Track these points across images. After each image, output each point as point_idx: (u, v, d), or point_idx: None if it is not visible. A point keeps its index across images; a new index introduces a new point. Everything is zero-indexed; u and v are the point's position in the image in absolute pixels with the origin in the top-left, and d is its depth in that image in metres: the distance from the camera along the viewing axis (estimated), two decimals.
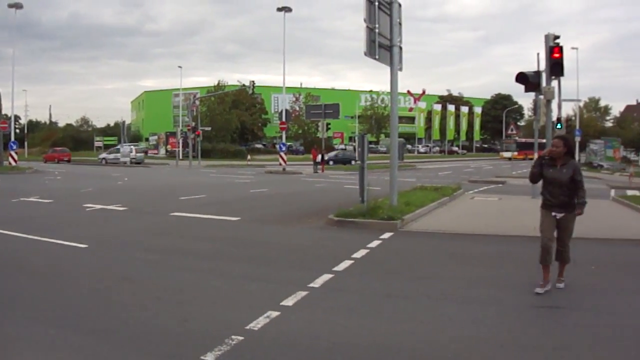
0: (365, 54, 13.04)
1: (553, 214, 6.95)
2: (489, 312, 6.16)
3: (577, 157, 56.02)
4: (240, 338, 5.04)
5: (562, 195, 6.90)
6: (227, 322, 5.56)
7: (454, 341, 5.14)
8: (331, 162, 49.15)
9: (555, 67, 17.13)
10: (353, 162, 47.50)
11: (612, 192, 23.89)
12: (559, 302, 6.54)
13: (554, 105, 34.66)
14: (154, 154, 72.99)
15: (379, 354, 4.83)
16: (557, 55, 16.96)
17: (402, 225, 12.16)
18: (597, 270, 8.47)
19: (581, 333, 5.51)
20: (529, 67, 20.27)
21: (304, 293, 6.65)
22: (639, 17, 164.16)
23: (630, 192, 23.74)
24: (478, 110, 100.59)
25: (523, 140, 75.37)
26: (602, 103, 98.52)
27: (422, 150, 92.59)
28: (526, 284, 7.15)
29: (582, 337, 5.40)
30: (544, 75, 17.55)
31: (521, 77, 17.84)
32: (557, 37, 17.40)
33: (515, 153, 74.14)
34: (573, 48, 57.24)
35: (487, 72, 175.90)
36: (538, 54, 18.65)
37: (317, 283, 7.17)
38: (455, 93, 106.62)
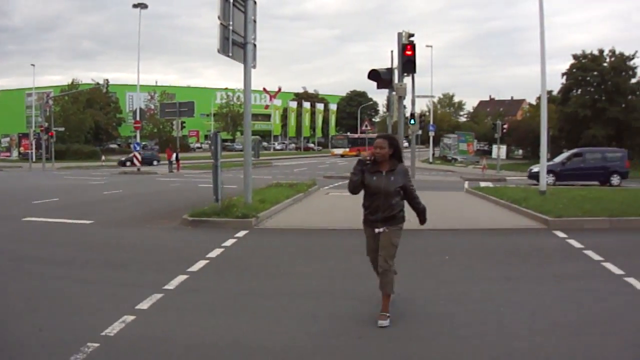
0: (219, 51, 13.03)
1: (376, 230, 5.77)
2: (363, 307, 6.41)
3: (431, 152, 59.12)
4: (96, 345, 4.96)
5: (387, 207, 5.69)
6: (83, 329, 5.43)
7: (311, 337, 5.32)
8: None
9: (408, 64, 17.77)
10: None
11: (466, 184, 25.31)
12: (415, 293, 6.79)
13: (408, 101, 36.70)
14: (6, 156, 67.62)
15: (236, 354, 4.93)
16: (409, 52, 17.61)
17: (257, 223, 12.31)
18: (451, 259, 9.14)
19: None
20: (385, 64, 21.00)
21: (159, 295, 6.61)
22: (493, 17, 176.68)
23: (483, 184, 25.36)
24: (333, 107, 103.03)
25: (355, 135, 76.50)
26: (457, 99, 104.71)
27: (278, 147, 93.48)
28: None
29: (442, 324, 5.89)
30: (396, 73, 18.25)
31: (374, 74, 18.34)
32: (412, 35, 18.14)
33: (347, 149, 73.73)
34: (428, 46, 60.56)
35: (344, 70, 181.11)
36: (392, 51, 19.42)
37: (172, 285, 7.14)
38: (311, 90, 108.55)
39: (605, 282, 7.56)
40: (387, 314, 5.64)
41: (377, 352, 5.05)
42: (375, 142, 5.82)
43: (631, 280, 7.46)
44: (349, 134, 78.56)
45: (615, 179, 28.80)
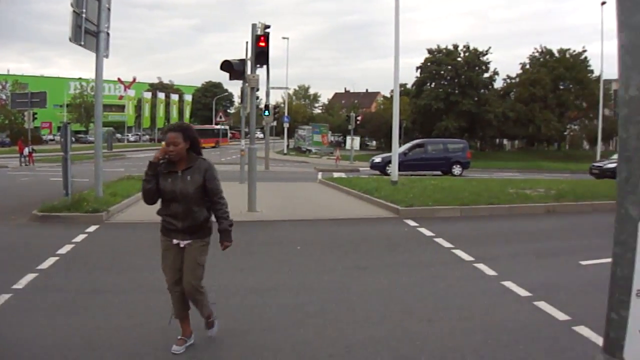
0: (71, 40, 12.51)
1: (175, 241, 4.62)
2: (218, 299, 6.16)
3: (285, 143, 58.97)
4: None
5: (187, 215, 4.55)
6: None
7: (165, 332, 4.99)
8: None
9: (260, 55, 17.68)
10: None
11: (320, 175, 25.50)
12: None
13: (263, 92, 36.74)
14: None
15: (89, 353, 4.66)
16: (262, 44, 17.54)
17: (108, 217, 11.71)
18: (303, 249, 9.08)
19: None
20: (241, 56, 20.89)
21: (7, 296, 6.15)
22: (350, 11, 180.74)
23: (336, 174, 25.71)
24: (188, 97, 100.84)
25: (200, 127, 75.77)
26: (312, 91, 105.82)
27: (132, 139, 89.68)
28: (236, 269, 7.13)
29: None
30: (249, 64, 18.19)
31: (226, 65, 18.11)
32: (268, 26, 18.04)
33: None
34: (284, 38, 60.48)
35: (201, 60, 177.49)
36: (247, 42, 19.28)
37: (21, 284, 6.65)
38: (166, 81, 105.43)
39: (455, 269, 7.80)
40: (186, 338, 4.74)
41: (229, 345, 4.89)
42: (166, 137, 4.52)
43: (480, 265, 7.77)
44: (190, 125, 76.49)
45: (456, 169, 30.13)
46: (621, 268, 1.80)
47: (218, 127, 71.97)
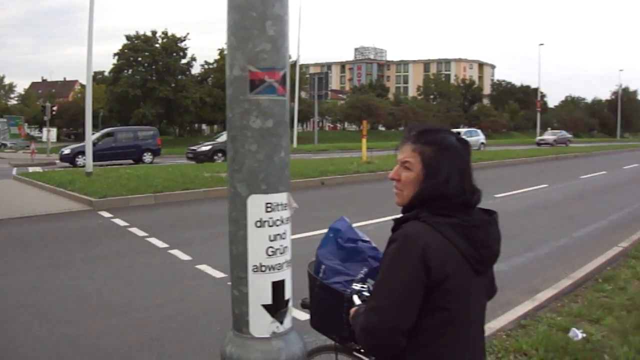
0: None
1: None
2: None
3: None
4: None
5: None
6: None
7: None
8: None
9: None
10: None
11: (14, 170, 23.58)
12: None
13: None
14: None
15: None
16: None
17: None
18: None
19: None
20: None
21: None
22: None
23: (32, 169, 23.86)
24: None
25: None
26: (7, 80, 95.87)
27: None
28: None
29: None
30: None
31: None
32: None
33: None
34: None
35: None
36: None
37: None
38: None
39: (150, 257, 7.91)
40: None
41: None
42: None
43: (175, 251, 7.98)
44: None
45: (147, 157, 29.78)
46: (236, 246, 1.87)
47: None
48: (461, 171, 1.86)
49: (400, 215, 1.90)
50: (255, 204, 1.81)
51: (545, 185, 17.04)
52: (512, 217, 11.41)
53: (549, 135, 54.87)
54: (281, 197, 1.86)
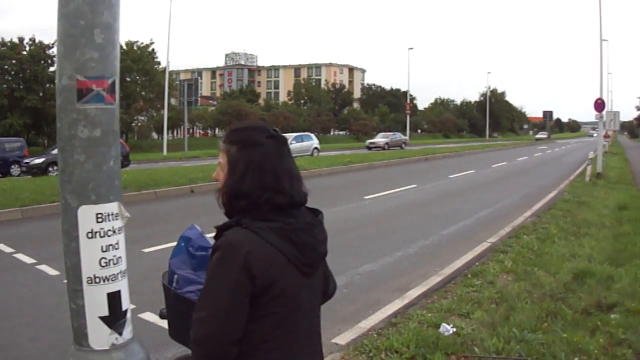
0: None
1: None
2: None
3: None
4: None
5: None
6: None
7: None
8: None
9: None
10: None
11: None
12: None
13: None
14: None
15: None
16: None
17: None
18: None
19: None
20: None
21: None
22: None
23: None
24: None
25: None
26: None
27: None
28: None
29: None
30: None
31: None
32: None
33: None
34: None
35: None
36: None
37: None
38: None
39: (17, 274, 7.57)
40: None
41: None
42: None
43: (43, 267, 7.66)
44: None
45: (15, 169, 28.15)
46: (70, 258, 1.86)
47: None
48: (264, 169, 1.85)
49: (222, 224, 1.87)
50: (86, 215, 1.80)
51: (414, 186, 17.78)
52: (381, 217, 11.86)
53: (381, 138, 52.27)
54: (112, 207, 1.84)
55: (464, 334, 5.06)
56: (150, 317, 5.46)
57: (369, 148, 47.90)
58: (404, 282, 7.11)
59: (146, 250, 8.45)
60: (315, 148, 37.99)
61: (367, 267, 7.91)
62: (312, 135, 41.87)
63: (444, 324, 5.29)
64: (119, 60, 2.00)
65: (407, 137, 58.30)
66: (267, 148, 1.87)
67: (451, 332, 5.13)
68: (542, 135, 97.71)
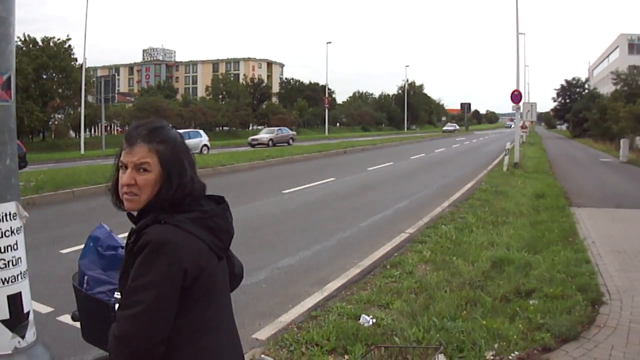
0: None
1: None
2: None
3: None
4: None
5: None
6: None
7: None
8: None
9: None
10: None
11: None
12: None
13: None
14: None
15: None
16: None
17: None
18: None
19: None
20: None
21: None
22: None
23: None
24: None
25: None
26: None
27: None
28: None
29: None
30: None
31: None
32: None
33: None
34: None
35: None
36: None
37: None
38: None
39: None
40: None
41: None
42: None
43: None
44: None
45: None
46: None
47: None
48: (193, 163, 1.93)
49: (141, 222, 1.87)
50: None
51: (332, 179, 17.91)
52: (300, 211, 11.85)
53: (265, 134, 47.94)
54: (10, 207, 1.76)
55: (384, 324, 5.09)
56: (70, 319, 5.19)
57: (252, 145, 44.49)
58: (324, 275, 7.11)
59: (64, 251, 8.18)
60: (205, 145, 37.21)
61: (286, 261, 7.87)
62: (201, 132, 40.72)
63: (363, 315, 5.31)
64: (14, 56, 1.94)
65: (294, 132, 54.03)
66: (181, 143, 1.93)
67: (371, 323, 5.15)
68: (449, 127, 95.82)
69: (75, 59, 57.30)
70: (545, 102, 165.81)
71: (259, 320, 5.56)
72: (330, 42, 76.40)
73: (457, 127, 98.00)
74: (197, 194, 1.91)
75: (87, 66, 48.72)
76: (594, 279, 6.51)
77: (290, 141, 47.53)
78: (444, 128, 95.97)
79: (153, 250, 1.75)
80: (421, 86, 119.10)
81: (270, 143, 44.75)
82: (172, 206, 1.83)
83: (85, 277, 2.44)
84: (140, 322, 1.73)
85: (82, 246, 2.64)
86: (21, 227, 1.84)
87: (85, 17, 62.50)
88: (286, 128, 53.75)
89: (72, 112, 59.16)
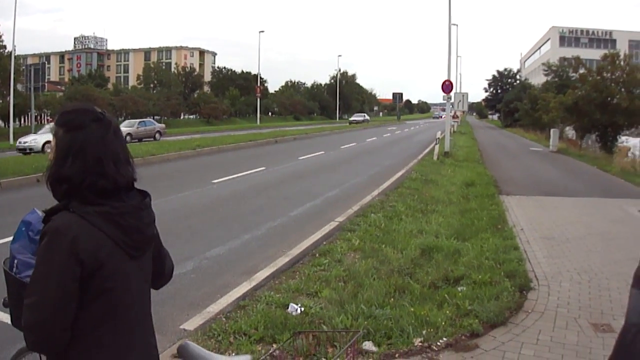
0: None
1: None
2: None
3: None
4: None
5: None
6: None
7: None
8: None
9: None
10: None
11: None
12: None
13: None
14: None
15: None
16: None
17: None
18: None
19: None
20: None
21: None
22: None
23: None
24: None
25: None
26: None
27: None
28: None
29: None
30: None
31: None
32: None
33: None
34: None
35: None
36: None
37: None
38: None
39: None
40: None
41: None
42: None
43: None
44: None
45: None
46: None
47: None
48: (86, 153, 1.86)
49: (50, 207, 1.89)
50: None
51: (263, 168, 17.86)
52: (229, 201, 11.78)
53: (124, 127, 35.69)
54: None
55: (312, 312, 5.13)
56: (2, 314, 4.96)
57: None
58: (252, 264, 7.10)
59: None
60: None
61: (215, 251, 7.83)
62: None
63: (291, 304, 5.33)
64: None
65: (162, 125, 45.23)
66: (91, 131, 1.88)
67: (299, 311, 5.17)
68: (357, 117, 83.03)
69: (5, 47, 55.50)
70: (478, 92, 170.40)
71: (187, 311, 5.53)
72: (263, 31, 75.90)
73: (367, 117, 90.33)
74: (118, 187, 1.90)
75: (16, 54, 47.14)
76: (522, 265, 6.71)
77: (157, 135, 39.84)
78: (351, 119, 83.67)
79: (51, 238, 1.78)
80: (353, 76, 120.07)
81: (129, 138, 35.30)
82: (80, 196, 1.83)
83: (15, 261, 2.43)
84: (39, 310, 1.76)
85: (9, 238, 2.59)
86: None
87: (15, 3, 60.07)
88: (151, 120, 46.76)
89: (0, 101, 57.38)
